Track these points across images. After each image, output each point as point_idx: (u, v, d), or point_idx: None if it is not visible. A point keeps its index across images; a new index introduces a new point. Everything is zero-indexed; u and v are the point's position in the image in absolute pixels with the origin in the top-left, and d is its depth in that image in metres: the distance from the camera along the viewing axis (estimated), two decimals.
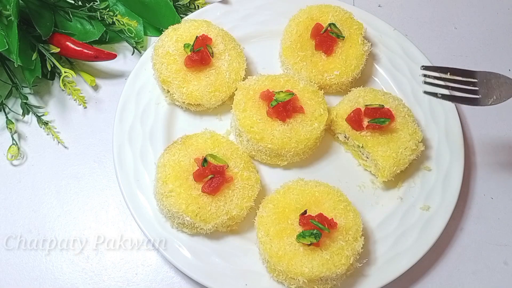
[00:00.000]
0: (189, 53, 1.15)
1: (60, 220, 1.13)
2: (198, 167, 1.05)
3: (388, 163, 1.10)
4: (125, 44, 1.30)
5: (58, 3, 1.23)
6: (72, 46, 1.19)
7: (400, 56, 1.28)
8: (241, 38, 1.25)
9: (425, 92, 1.06)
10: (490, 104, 0.99)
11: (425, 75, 1.07)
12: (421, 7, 1.46)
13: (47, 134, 1.21)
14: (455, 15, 1.46)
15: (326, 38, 1.21)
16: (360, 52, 1.21)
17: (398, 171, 1.13)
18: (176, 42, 1.17)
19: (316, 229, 0.99)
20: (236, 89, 1.16)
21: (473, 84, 0.99)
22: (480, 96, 0.97)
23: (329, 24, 1.21)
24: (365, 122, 1.14)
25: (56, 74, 1.25)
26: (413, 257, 1.07)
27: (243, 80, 1.17)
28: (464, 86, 1.02)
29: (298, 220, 1.02)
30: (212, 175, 1.03)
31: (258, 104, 1.12)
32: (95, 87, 1.26)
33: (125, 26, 1.23)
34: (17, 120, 1.21)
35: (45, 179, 1.17)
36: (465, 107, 1.30)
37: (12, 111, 1.21)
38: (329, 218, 1.01)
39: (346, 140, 1.17)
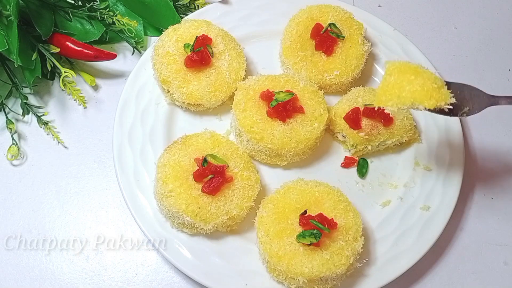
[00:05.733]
0: (189, 53, 1.15)
1: (60, 220, 1.13)
2: (198, 167, 1.05)
3: None
4: (125, 44, 1.30)
5: (58, 3, 1.23)
6: (72, 46, 1.19)
7: (400, 56, 1.28)
8: (241, 38, 1.25)
9: None
10: (461, 116, 1.00)
11: None
12: (421, 7, 1.46)
13: (47, 134, 1.21)
14: (455, 15, 1.46)
15: (326, 38, 1.21)
16: (360, 52, 1.21)
17: None
18: (176, 42, 1.17)
19: (316, 229, 0.99)
20: (236, 89, 1.16)
21: None
22: (452, 107, 0.98)
23: (329, 24, 1.21)
24: (364, 124, 1.14)
25: (56, 74, 1.25)
26: (413, 257, 1.07)
27: (243, 80, 1.17)
28: None
29: (298, 220, 1.02)
30: (212, 175, 1.03)
31: (258, 104, 1.12)
32: (95, 87, 1.26)
33: (125, 26, 1.23)
34: (17, 120, 1.21)
35: (45, 179, 1.17)
36: None
37: (12, 111, 1.21)
38: (329, 218, 1.01)
39: (344, 139, 1.17)
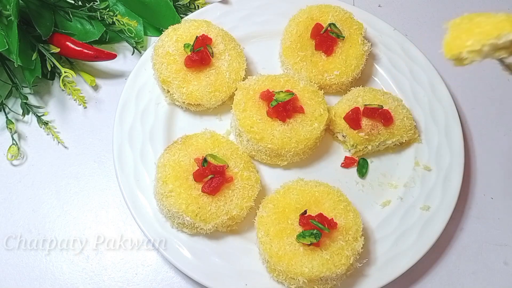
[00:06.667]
0: (189, 53, 1.15)
1: (60, 220, 1.13)
2: (198, 167, 1.05)
3: None
4: (125, 44, 1.30)
5: (58, 3, 1.23)
6: (72, 46, 1.19)
7: (400, 56, 1.28)
8: (241, 38, 1.25)
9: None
10: None
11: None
12: (421, 7, 1.46)
13: (47, 134, 1.21)
14: (455, 15, 1.45)
15: (326, 38, 1.21)
16: (360, 52, 1.21)
17: None
18: (176, 42, 1.17)
19: (316, 229, 0.99)
20: (236, 89, 1.16)
21: None
22: None
23: (329, 24, 1.21)
24: (364, 124, 1.14)
25: (56, 74, 1.25)
26: (413, 257, 1.07)
27: (243, 80, 1.17)
28: None
29: (298, 220, 1.02)
30: (212, 175, 1.03)
31: (258, 104, 1.12)
32: (95, 87, 1.26)
33: (125, 26, 1.23)
34: (17, 120, 1.21)
35: (45, 179, 1.17)
36: (464, 108, 1.30)
37: (12, 111, 1.21)
38: (329, 218, 1.01)
39: (344, 139, 1.17)
